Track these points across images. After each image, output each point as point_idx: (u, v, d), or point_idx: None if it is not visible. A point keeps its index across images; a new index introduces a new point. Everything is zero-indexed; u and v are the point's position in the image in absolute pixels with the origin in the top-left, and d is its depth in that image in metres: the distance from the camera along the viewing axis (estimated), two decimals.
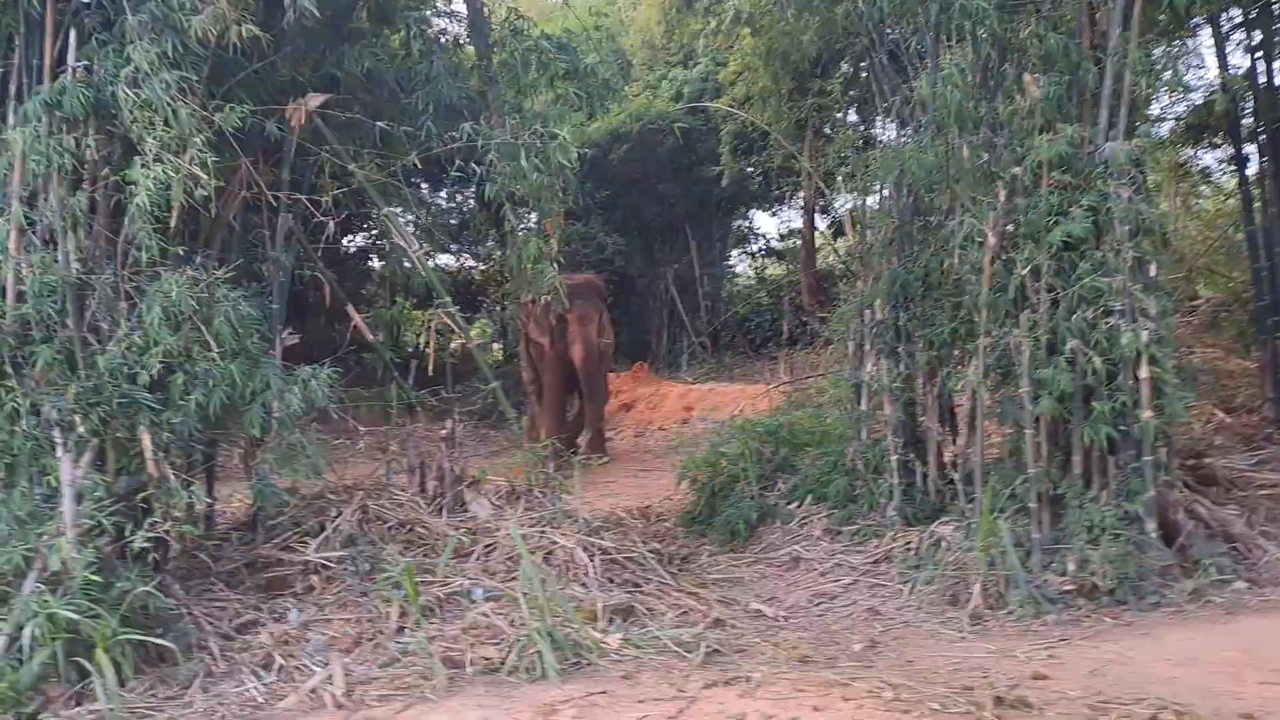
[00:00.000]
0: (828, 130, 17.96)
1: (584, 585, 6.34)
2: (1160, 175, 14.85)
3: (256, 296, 6.14)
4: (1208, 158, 13.66)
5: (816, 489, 8.35)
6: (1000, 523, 6.37)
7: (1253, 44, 9.41)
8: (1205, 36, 10.24)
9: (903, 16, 7.48)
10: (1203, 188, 15.60)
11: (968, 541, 6.63)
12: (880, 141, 10.31)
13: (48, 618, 4.85)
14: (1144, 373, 6.24)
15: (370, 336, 7.47)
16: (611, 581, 6.55)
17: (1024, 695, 4.61)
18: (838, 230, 19.30)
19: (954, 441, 7.66)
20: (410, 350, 19.13)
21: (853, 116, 18.08)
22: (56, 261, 5.55)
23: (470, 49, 8.02)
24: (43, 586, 5.04)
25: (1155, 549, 6.28)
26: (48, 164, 5.47)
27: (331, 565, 6.32)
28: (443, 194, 21.29)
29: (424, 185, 18.62)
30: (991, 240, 6.58)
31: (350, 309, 7.30)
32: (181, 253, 5.82)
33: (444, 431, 7.73)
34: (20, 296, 5.54)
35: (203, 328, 5.63)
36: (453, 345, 10.82)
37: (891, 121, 9.40)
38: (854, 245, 9.06)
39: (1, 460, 5.40)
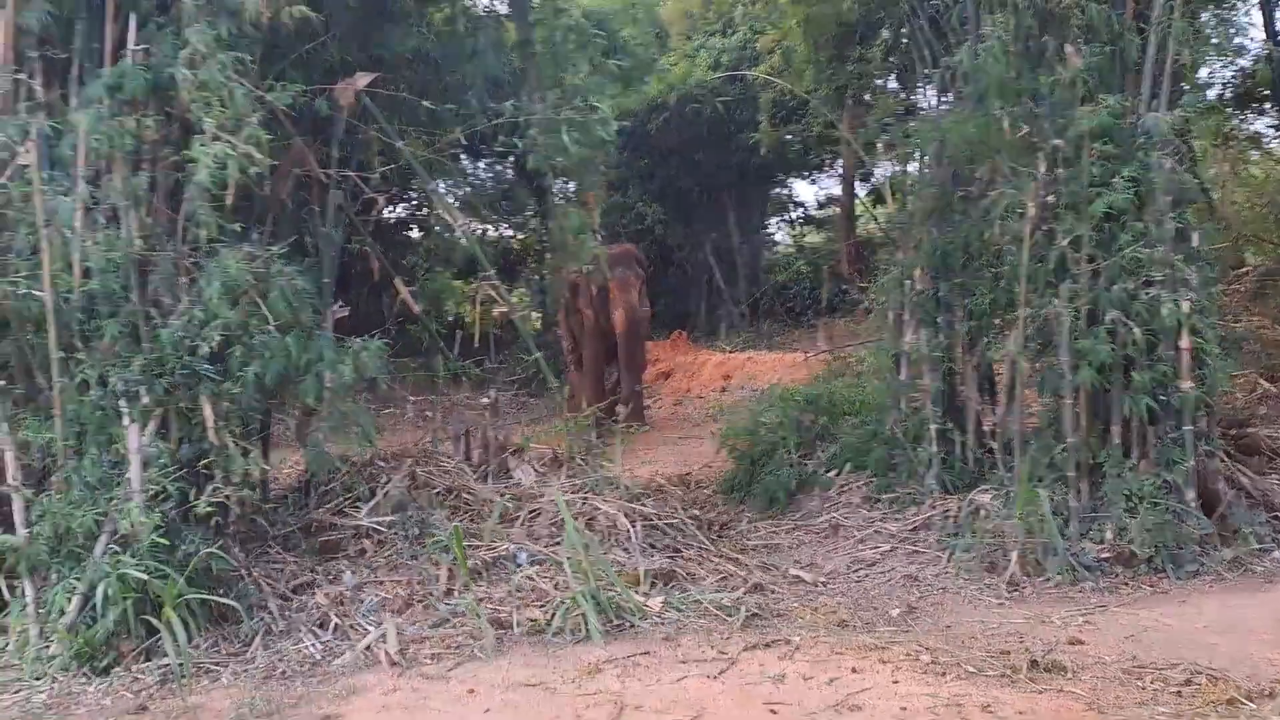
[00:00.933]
0: (867, 98, 17.77)
1: (626, 550, 6.50)
2: (1207, 141, 14.57)
3: (308, 271, 6.30)
4: (1258, 123, 13.37)
5: (855, 457, 8.43)
6: (1039, 491, 6.44)
7: None
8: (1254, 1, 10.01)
9: None
10: (1253, 154, 15.28)
11: (1006, 510, 6.70)
12: (921, 109, 10.23)
13: (119, 578, 5.09)
14: (1185, 343, 6.26)
15: (416, 309, 7.64)
16: (653, 547, 6.71)
17: (1059, 659, 4.72)
18: (878, 198, 19.16)
19: (993, 411, 7.71)
20: (451, 320, 19.39)
21: (893, 84, 17.86)
22: (120, 239, 5.75)
23: (511, 26, 8.11)
24: (114, 548, 5.29)
25: (1194, 518, 6.32)
26: (110, 145, 5.66)
27: (382, 529, 6.55)
28: (482, 164, 21.42)
29: (464, 156, 18.75)
30: (1032, 211, 6.58)
31: (397, 282, 7.47)
32: (237, 229, 6.00)
33: (487, 400, 7.91)
34: (86, 273, 5.75)
35: (259, 302, 5.80)
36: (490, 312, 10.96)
37: (933, 89, 9.34)
38: (894, 214, 9.04)
39: (72, 429, 5.63)
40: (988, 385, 7.87)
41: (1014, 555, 6.28)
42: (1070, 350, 6.44)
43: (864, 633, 5.36)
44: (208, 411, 5.72)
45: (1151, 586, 6.00)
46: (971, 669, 4.67)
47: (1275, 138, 12.31)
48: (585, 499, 7.02)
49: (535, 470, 7.58)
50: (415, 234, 19.89)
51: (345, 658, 5.20)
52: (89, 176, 5.82)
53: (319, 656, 5.24)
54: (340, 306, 6.91)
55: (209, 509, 5.60)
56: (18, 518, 5.44)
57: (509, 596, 5.79)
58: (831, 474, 8.51)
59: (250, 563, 6.00)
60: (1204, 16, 7.79)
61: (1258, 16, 11.38)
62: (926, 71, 8.77)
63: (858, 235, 20.85)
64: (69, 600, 5.21)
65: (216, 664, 5.14)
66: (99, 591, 5.11)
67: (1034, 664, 4.65)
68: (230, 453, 5.77)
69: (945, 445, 7.75)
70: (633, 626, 5.47)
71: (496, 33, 7.79)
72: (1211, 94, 12.16)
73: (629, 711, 4.29)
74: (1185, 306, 6.18)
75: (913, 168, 8.93)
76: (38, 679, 4.96)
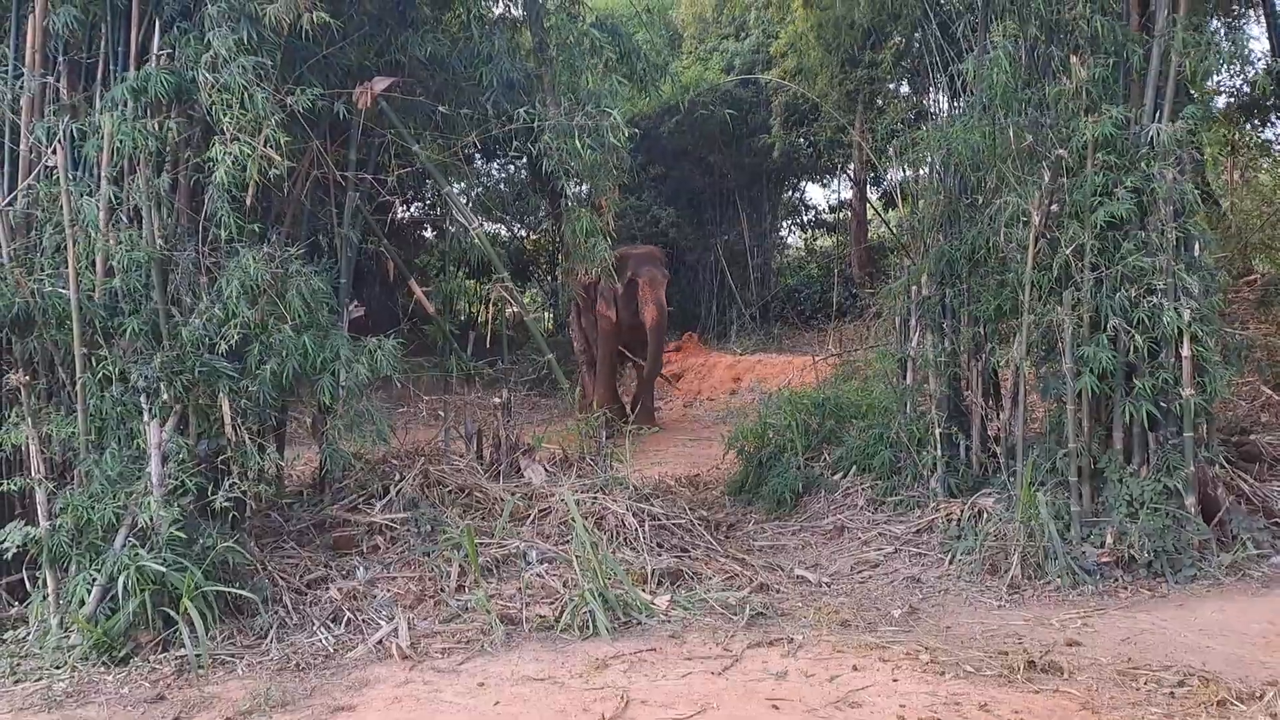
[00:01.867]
0: (879, 102, 17.84)
1: (634, 549, 6.60)
2: (1215, 150, 14.58)
3: (325, 271, 6.42)
4: (1267, 132, 13.40)
5: (861, 460, 8.52)
6: (1040, 495, 6.51)
7: None
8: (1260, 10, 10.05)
9: None
10: (1262, 161, 15.30)
11: (1008, 513, 6.78)
12: (932, 114, 10.30)
13: (137, 570, 5.20)
14: (1186, 350, 6.33)
15: (431, 309, 7.76)
16: (660, 546, 6.80)
17: (1056, 660, 4.80)
18: (889, 203, 19.23)
19: (997, 416, 7.79)
20: (463, 320, 19.52)
21: (905, 89, 17.93)
22: (142, 238, 5.88)
23: (526, 32, 8.23)
24: (133, 541, 5.42)
25: (1194, 523, 6.39)
26: (133, 146, 5.78)
27: (395, 526, 6.66)
28: (495, 165, 21.56)
29: (478, 158, 18.90)
30: (1036, 219, 6.66)
31: (413, 283, 7.59)
32: (256, 230, 6.13)
33: (499, 400, 8.02)
34: (109, 271, 5.89)
35: (277, 301, 5.93)
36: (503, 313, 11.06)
37: (943, 94, 9.42)
38: (905, 218, 9.13)
39: (93, 424, 5.76)
40: (992, 390, 7.96)
41: (1015, 558, 6.36)
42: (1073, 356, 6.52)
43: (866, 632, 5.45)
44: (226, 408, 5.84)
45: (1150, 590, 6.08)
46: (970, 669, 4.75)
47: None
48: (595, 498, 7.11)
49: (546, 470, 7.67)
50: (429, 234, 20.04)
51: (358, 651, 5.30)
52: (113, 177, 5.95)
53: (332, 649, 5.34)
54: (356, 306, 7.04)
55: (226, 504, 5.72)
56: (40, 510, 5.56)
57: (519, 593, 5.89)
58: (838, 476, 8.61)
59: (265, 557, 6.12)
60: (1211, 27, 7.85)
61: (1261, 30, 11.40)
62: (937, 77, 8.86)
63: (869, 239, 20.89)
64: (89, 591, 5.34)
65: (232, 655, 5.24)
66: (118, 583, 5.23)
67: (1031, 665, 4.73)
68: (247, 449, 5.89)
69: (950, 449, 7.84)
70: (640, 624, 5.57)
71: (511, 38, 7.90)
72: (1220, 103, 12.22)
73: (635, 706, 4.39)
74: (1186, 315, 6.25)
75: (923, 173, 9.01)
76: (58, 668, 5.08)
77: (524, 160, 19.57)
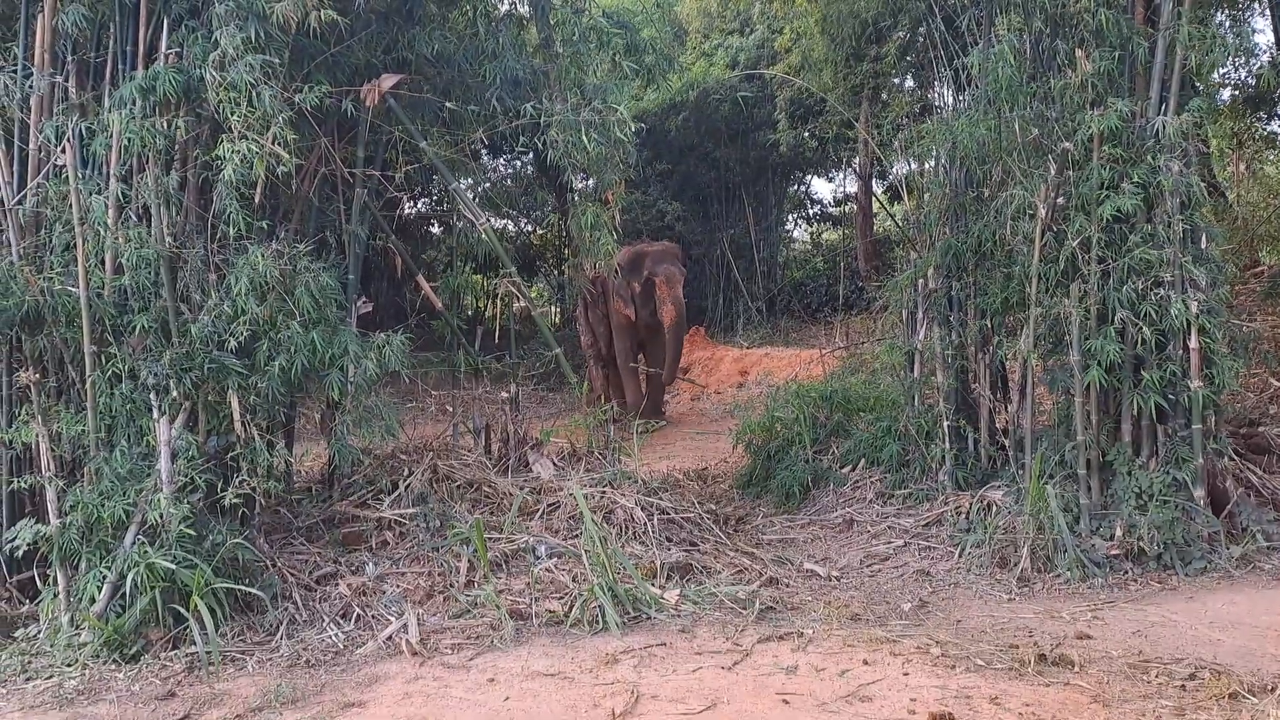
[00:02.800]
0: (884, 96, 17.81)
1: (643, 543, 6.61)
2: (1221, 143, 14.53)
3: (333, 267, 6.44)
4: (1274, 125, 13.36)
5: (870, 453, 8.53)
6: (1049, 488, 6.51)
7: None
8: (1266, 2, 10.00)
9: None
10: (1268, 153, 15.25)
11: (1017, 506, 6.78)
12: (937, 108, 10.28)
13: (147, 567, 5.23)
14: (1193, 342, 6.32)
15: (439, 305, 7.77)
16: (669, 540, 6.81)
17: (1066, 654, 4.80)
18: (894, 196, 19.19)
19: (1005, 408, 7.80)
20: (470, 314, 19.54)
21: (909, 82, 17.89)
22: (151, 236, 5.89)
23: (533, 28, 8.24)
24: (143, 539, 5.44)
25: (1203, 515, 6.39)
26: (142, 145, 5.81)
27: (404, 521, 6.67)
28: (502, 161, 21.57)
29: (485, 153, 18.91)
30: (1043, 212, 6.65)
31: (421, 279, 7.60)
32: (264, 227, 6.14)
33: (507, 395, 8.03)
34: (118, 269, 5.91)
35: (286, 298, 5.94)
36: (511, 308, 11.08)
37: (948, 89, 9.39)
38: (910, 211, 9.11)
39: (103, 421, 5.79)
40: (1000, 383, 7.96)
41: (1024, 551, 6.37)
42: (1080, 349, 6.51)
43: (876, 626, 5.46)
44: (235, 405, 5.86)
45: (1160, 583, 6.08)
46: (981, 662, 4.76)
47: None
48: (603, 493, 7.12)
49: (554, 464, 7.69)
50: (436, 229, 20.07)
51: (367, 647, 5.32)
52: (121, 175, 5.97)
53: (342, 646, 5.36)
54: (364, 302, 7.06)
55: (235, 500, 5.74)
56: (50, 508, 5.59)
57: (528, 588, 5.90)
58: (846, 470, 8.62)
59: (275, 553, 6.14)
60: (1216, 20, 7.82)
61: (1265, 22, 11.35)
62: (942, 71, 8.83)
63: (875, 233, 20.87)
64: (99, 589, 5.36)
65: (242, 652, 5.26)
66: (128, 580, 5.26)
67: (1042, 658, 4.74)
68: (256, 445, 5.90)
69: (958, 442, 7.84)
70: (649, 618, 5.58)
71: (518, 34, 7.91)
72: (1225, 95, 12.19)
73: (645, 701, 4.40)
74: (1194, 307, 6.24)
75: (928, 166, 9.00)
76: (69, 665, 5.10)
77: (530, 156, 19.59)
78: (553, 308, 23.36)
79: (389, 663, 5.10)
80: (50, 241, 5.97)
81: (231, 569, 5.59)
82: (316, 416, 7.06)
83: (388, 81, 6.68)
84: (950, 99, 9.24)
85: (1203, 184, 6.53)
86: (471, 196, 9.62)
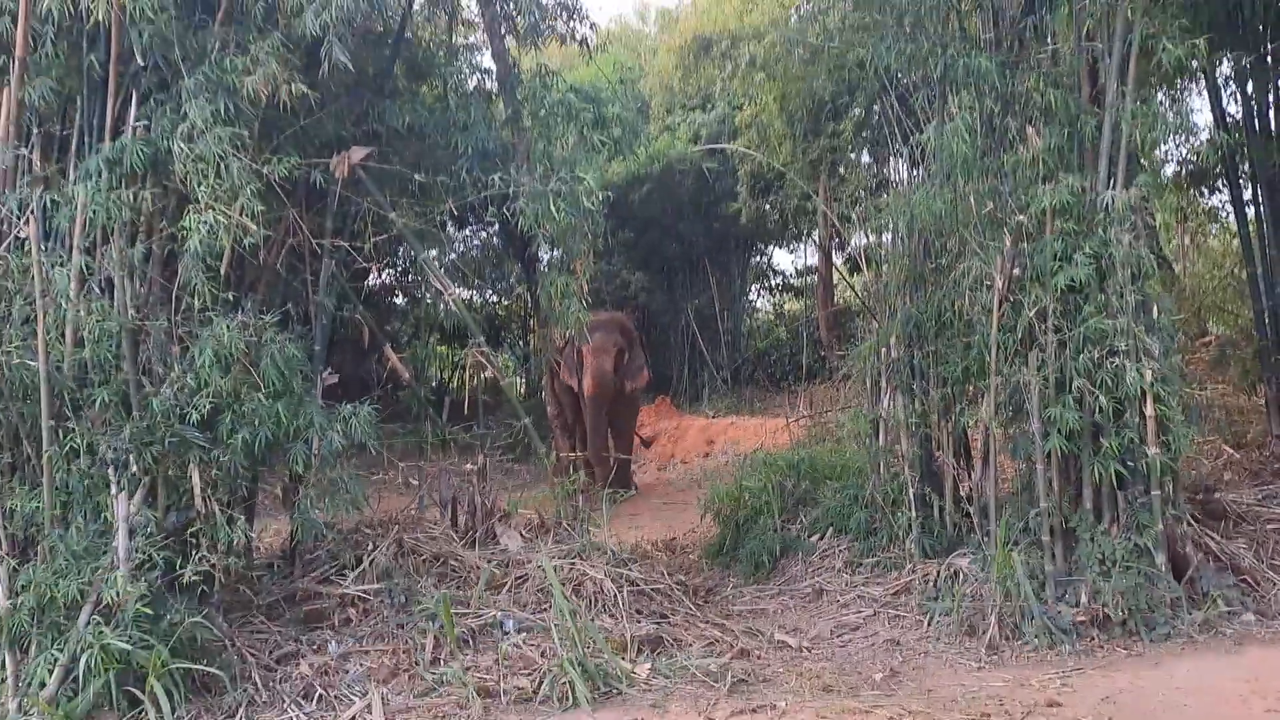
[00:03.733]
0: (841, 170, 18.27)
1: (613, 616, 6.53)
2: (1167, 216, 15.02)
3: (300, 338, 6.41)
4: (1214, 199, 13.88)
5: (837, 522, 8.53)
6: (1015, 555, 6.56)
7: (1247, 92, 9.65)
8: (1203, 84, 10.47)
9: (910, 69, 7.76)
10: (1211, 227, 15.79)
11: (984, 573, 6.81)
12: (894, 182, 10.57)
13: (102, 649, 5.07)
14: (1149, 410, 6.44)
15: (406, 376, 7.74)
16: (639, 613, 6.73)
17: None
18: (854, 267, 19.55)
19: (969, 476, 7.86)
20: (434, 384, 19.45)
21: (866, 158, 18.39)
22: (114, 308, 5.84)
23: (500, 102, 8.39)
24: (98, 618, 5.28)
25: (1165, 581, 6.45)
26: (108, 217, 5.78)
27: (368, 598, 6.54)
28: (467, 232, 21.71)
29: (450, 224, 19.03)
30: (999, 283, 6.82)
31: (388, 350, 7.59)
32: (230, 298, 6.12)
33: (471, 467, 7.97)
34: (79, 342, 5.84)
35: (251, 369, 5.89)
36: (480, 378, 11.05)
37: (904, 163, 9.66)
38: (870, 282, 9.29)
39: (59, 497, 5.65)
40: (963, 450, 8.04)
41: (992, 619, 6.38)
42: (1040, 417, 6.61)
43: (848, 697, 5.42)
44: (196, 479, 5.76)
45: (1126, 649, 6.11)
46: None
47: (1230, 213, 12.74)
48: (572, 564, 7.04)
49: (522, 536, 7.61)
50: (401, 300, 20.04)
51: None
52: (85, 247, 5.93)
53: None
54: (330, 373, 7.01)
55: (194, 578, 5.61)
56: (0, 587, 5.41)
57: (496, 665, 5.79)
58: (814, 538, 8.61)
59: (234, 632, 5.98)
60: (1158, 99, 8.14)
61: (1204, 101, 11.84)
62: (897, 147, 9.09)
63: (835, 303, 21.18)
64: (50, 672, 5.16)
65: None
66: (81, 663, 5.08)
67: None
68: (217, 520, 5.80)
69: (924, 509, 7.87)
70: (620, 693, 5.50)
71: (487, 107, 8.03)
72: (1169, 171, 12.66)
73: None
74: (1148, 375, 6.38)
75: (886, 238, 9.20)
76: None
77: (496, 227, 19.73)
78: (518, 379, 23.33)
79: None
80: (10, 315, 5.89)
81: (189, 649, 5.43)
82: (279, 490, 6.95)
83: (357, 154, 6.74)
84: (906, 174, 9.51)
85: (1152, 256, 6.73)
86: (439, 267, 9.65)
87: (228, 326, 5.79)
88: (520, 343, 23.62)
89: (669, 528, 10.81)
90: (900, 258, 8.13)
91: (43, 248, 5.85)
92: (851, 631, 6.98)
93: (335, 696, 5.57)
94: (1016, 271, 6.86)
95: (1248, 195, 10.16)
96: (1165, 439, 6.50)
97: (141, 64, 6.10)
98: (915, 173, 8.78)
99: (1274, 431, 9.76)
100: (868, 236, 11.88)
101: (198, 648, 5.50)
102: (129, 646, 5.11)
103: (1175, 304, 7.78)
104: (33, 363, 5.63)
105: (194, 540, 5.80)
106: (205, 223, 5.72)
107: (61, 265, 5.92)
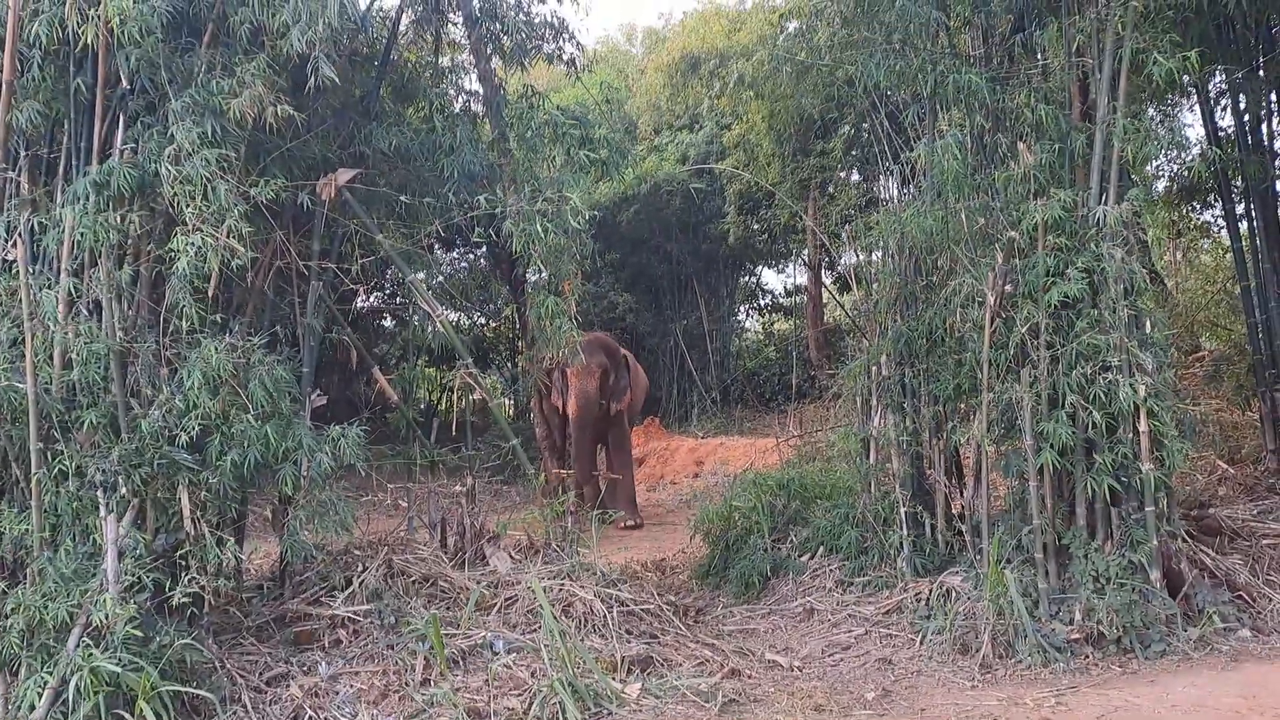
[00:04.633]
0: (830, 189, 18.35)
1: (603, 636, 6.49)
2: (1159, 231, 15.14)
3: (288, 360, 6.39)
4: (1206, 214, 13.96)
5: (828, 541, 8.49)
6: (1008, 573, 6.53)
7: (1239, 107, 9.73)
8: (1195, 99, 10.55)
9: (899, 86, 7.81)
10: (1203, 242, 15.89)
11: (976, 592, 6.78)
12: (883, 200, 10.62)
13: (91, 671, 5.00)
14: (1143, 425, 6.45)
15: (395, 397, 7.72)
16: (629, 633, 6.69)
17: None
18: (843, 286, 19.63)
19: (961, 494, 7.85)
20: (423, 406, 19.38)
21: (855, 176, 18.49)
22: (102, 330, 5.82)
23: (487, 124, 8.41)
24: (87, 641, 5.22)
25: (1160, 598, 6.44)
26: (95, 239, 5.77)
27: (358, 619, 6.48)
28: (454, 254, 21.73)
29: (437, 246, 19.05)
30: (991, 300, 6.83)
31: (376, 372, 7.57)
32: (218, 320, 6.10)
33: (460, 488, 7.94)
34: (67, 364, 5.81)
35: (239, 391, 5.87)
36: (468, 400, 11.01)
37: (893, 181, 9.71)
38: (860, 301, 9.30)
39: (47, 520, 5.62)
40: (955, 468, 8.03)
41: (985, 637, 6.34)
42: (1033, 433, 6.62)
43: (840, 716, 5.39)
44: (185, 501, 5.73)
45: (1120, 667, 6.08)
46: None
47: (1223, 228, 12.83)
48: (562, 585, 7.01)
49: (511, 557, 7.57)
50: (389, 322, 20.03)
51: None
52: (73, 270, 5.92)
53: None
54: (318, 395, 6.99)
55: (184, 600, 5.56)
56: None
57: (486, 685, 5.74)
58: (805, 558, 8.57)
59: (224, 654, 5.92)
60: (1149, 115, 8.21)
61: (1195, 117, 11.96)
62: (887, 165, 9.13)
63: (825, 322, 21.24)
64: (40, 695, 5.10)
65: None
66: (71, 686, 5.01)
67: None
68: (206, 542, 5.76)
69: (915, 528, 7.85)
70: (610, 714, 5.46)
71: (474, 129, 8.05)
72: (1160, 186, 12.75)
73: None
74: (1142, 390, 6.39)
75: (876, 256, 9.22)
76: None
77: (483, 249, 19.76)
78: (506, 400, 23.29)
79: None
80: None
81: (179, 671, 5.37)
82: (268, 512, 6.92)
83: (344, 176, 6.75)
84: (895, 191, 9.55)
85: (1144, 271, 6.75)
86: (426, 289, 9.63)
87: (216, 348, 5.77)
88: (508, 364, 23.60)
89: (658, 548, 10.77)
90: (891, 275, 8.13)
91: (30, 270, 5.85)
92: (843, 651, 6.93)
93: (325, 718, 5.51)
94: (1008, 288, 6.88)
95: (1240, 210, 10.19)
96: (1159, 454, 6.49)
97: (129, 87, 6.13)
98: (905, 190, 8.81)
99: (1268, 446, 9.76)
100: (857, 255, 11.92)
101: (187, 670, 5.45)
102: (118, 669, 5.04)
103: (1168, 319, 7.82)
104: (21, 385, 5.61)
105: (183, 562, 5.75)
106: (193, 245, 5.73)
107: (49, 288, 5.90)
